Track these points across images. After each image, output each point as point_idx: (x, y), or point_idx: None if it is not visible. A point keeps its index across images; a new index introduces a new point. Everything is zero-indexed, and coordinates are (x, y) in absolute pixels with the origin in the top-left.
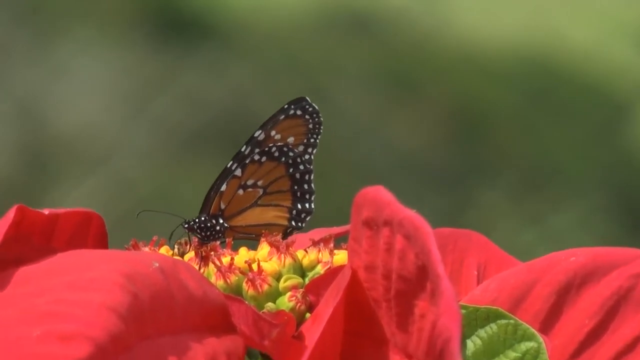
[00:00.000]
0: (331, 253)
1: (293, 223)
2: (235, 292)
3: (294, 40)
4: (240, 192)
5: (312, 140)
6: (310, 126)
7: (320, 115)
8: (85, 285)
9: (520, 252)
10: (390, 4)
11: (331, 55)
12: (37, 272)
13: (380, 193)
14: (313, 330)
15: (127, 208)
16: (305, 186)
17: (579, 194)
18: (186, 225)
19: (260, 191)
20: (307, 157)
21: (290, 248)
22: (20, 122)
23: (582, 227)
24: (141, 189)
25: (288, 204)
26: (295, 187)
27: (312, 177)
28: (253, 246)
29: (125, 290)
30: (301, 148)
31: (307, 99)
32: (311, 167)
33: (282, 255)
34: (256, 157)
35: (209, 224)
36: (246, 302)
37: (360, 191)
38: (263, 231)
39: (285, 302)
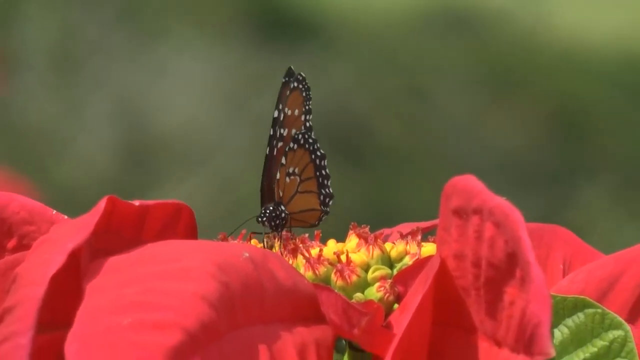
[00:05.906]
0: (419, 245)
1: (322, 207)
2: (324, 284)
3: (394, 40)
4: (287, 179)
5: (306, 107)
6: (304, 94)
7: (306, 80)
8: (176, 275)
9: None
10: (490, 3)
11: (431, 54)
12: (127, 261)
13: (470, 182)
14: (402, 320)
15: (228, 207)
16: (324, 172)
17: None
18: (261, 219)
19: (298, 179)
20: (308, 124)
21: (379, 240)
22: (122, 122)
23: None
24: (242, 188)
25: (315, 189)
26: (318, 173)
27: (326, 162)
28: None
29: (217, 280)
30: (302, 118)
31: (291, 67)
32: (323, 151)
33: (371, 246)
34: (291, 145)
35: (275, 213)
36: (335, 291)
37: (450, 180)
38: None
39: (374, 292)
